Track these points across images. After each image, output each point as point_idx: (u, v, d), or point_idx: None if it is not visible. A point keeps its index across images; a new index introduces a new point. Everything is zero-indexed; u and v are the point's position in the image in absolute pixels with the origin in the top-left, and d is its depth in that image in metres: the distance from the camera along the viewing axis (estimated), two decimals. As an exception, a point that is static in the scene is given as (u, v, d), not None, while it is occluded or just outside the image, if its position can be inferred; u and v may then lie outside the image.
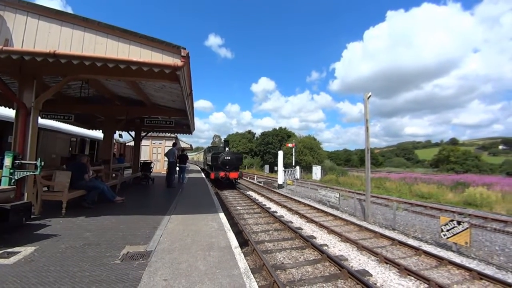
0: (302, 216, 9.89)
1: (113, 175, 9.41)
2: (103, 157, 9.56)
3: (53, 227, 4.42)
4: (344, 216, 10.30)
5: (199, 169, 30.28)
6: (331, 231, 7.87)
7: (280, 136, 54.10)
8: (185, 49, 4.28)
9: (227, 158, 16.20)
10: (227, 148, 17.22)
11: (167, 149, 15.91)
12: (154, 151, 21.28)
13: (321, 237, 7.39)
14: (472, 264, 5.79)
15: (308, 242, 6.41)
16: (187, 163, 14.22)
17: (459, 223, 6.61)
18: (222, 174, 15.72)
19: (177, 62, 4.23)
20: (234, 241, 3.90)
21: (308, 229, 8.22)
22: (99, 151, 14.89)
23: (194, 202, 7.53)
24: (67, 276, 2.72)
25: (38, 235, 3.97)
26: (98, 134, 14.34)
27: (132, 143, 15.42)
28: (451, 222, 6.78)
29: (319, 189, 15.00)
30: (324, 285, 4.50)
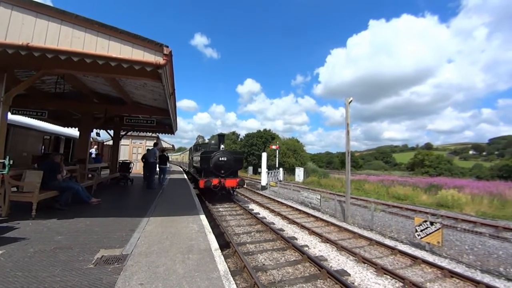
0: (284, 217, 9.97)
1: (89, 175, 9.01)
2: (79, 156, 9.13)
3: (22, 230, 4.16)
4: (325, 217, 10.50)
5: (182, 171, 29.40)
6: (312, 232, 7.99)
7: (264, 138, 54.30)
8: (167, 47, 4.19)
9: (223, 159, 11.94)
10: (222, 146, 12.66)
11: (148, 149, 15.41)
12: (134, 151, 20.57)
13: (302, 238, 7.49)
14: (444, 263, 6.10)
15: (289, 243, 6.47)
16: (168, 164, 13.88)
17: (432, 223, 6.95)
18: (215, 181, 11.46)
19: (159, 60, 4.13)
20: (214, 243, 3.86)
21: (290, 230, 8.30)
22: (75, 150, 14.19)
23: (174, 203, 7.36)
24: (35, 281, 2.57)
25: (4, 239, 3.71)
26: (74, 132, 13.69)
27: (110, 142, 14.86)
28: (424, 223, 7.11)
29: (301, 191, 15.19)
30: (304, 285, 4.55)
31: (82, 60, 4.16)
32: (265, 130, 57.96)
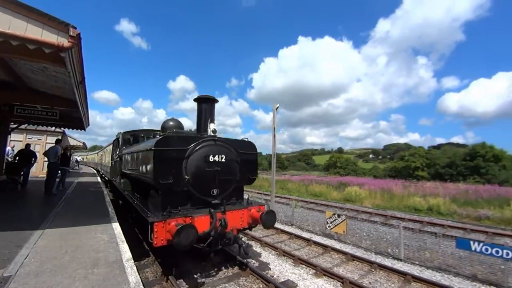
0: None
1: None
2: None
3: None
4: (251, 216, 10.88)
5: (95, 172, 25.38)
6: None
7: (196, 138, 52.70)
8: (75, 28, 3.57)
9: (219, 159, 4.93)
10: (211, 126, 5.18)
11: (49, 146, 12.76)
12: (31, 148, 16.82)
13: (228, 239, 7.56)
14: (347, 249, 7.14)
15: (215, 244, 6.40)
16: (78, 166, 11.87)
17: (339, 216, 8.05)
18: (202, 223, 4.29)
19: (63, 42, 3.48)
20: (127, 254, 3.46)
21: (216, 231, 8.25)
22: None
23: (81, 211, 6.30)
24: None
25: None
26: None
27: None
28: (333, 216, 8.17)
29: (230, 192, 15.34)
30: (227, 285, 4.60)
31: None
32: (196, 130, 56.25)
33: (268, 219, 4.93)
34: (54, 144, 9.45)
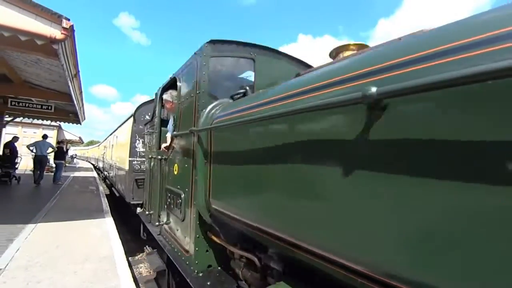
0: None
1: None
2: None
3: None
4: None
5: (92, 167, 24.94)
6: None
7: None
8: (68, 20, 3.50)
9: None
10: None
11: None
12: (25, 142, 16.61)
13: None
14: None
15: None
16: (73, 160, 11.77)
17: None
18: None
19: (55, 33, 3.42)
20: (119, 249, 3.42)
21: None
22: None
23: (75, 206, 6.22)
24: None
25: None
26: None
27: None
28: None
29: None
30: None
31: None
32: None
33: None
34: (43, 139, 9.42)
